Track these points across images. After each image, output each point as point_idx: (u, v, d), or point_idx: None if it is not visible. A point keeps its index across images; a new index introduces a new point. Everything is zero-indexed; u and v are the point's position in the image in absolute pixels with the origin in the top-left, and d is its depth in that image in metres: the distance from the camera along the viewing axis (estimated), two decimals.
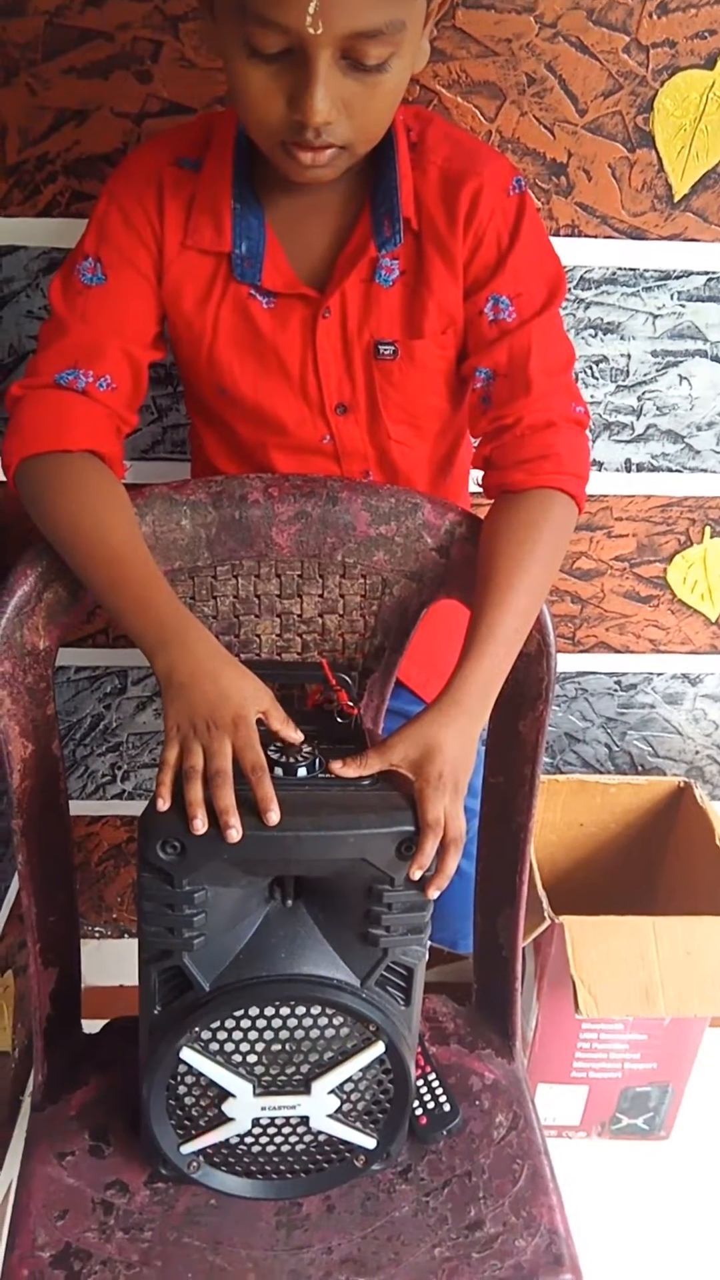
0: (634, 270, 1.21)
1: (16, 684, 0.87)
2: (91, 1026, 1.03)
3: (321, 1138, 0.86)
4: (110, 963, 1.41)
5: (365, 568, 0.95)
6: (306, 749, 0.81)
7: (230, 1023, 0.79)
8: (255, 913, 0.80)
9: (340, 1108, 0.84)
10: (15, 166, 1.12)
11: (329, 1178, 0.88)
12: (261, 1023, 0.80)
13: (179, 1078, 0.82)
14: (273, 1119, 0.84)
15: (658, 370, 1.27)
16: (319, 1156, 0.87)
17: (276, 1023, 0.80)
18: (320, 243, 0.94)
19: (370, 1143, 0.87)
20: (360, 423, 1.00)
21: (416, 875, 0.77)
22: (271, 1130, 0.85)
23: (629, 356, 1.26)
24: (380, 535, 0.94)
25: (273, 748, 0.80)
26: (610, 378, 1.27)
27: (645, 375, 1.27)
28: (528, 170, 1.15)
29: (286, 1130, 0.85)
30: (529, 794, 0.95)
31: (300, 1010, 0.80)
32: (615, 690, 1.50)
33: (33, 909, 0.92)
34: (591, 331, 1.24)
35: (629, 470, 1.33)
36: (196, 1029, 0.79)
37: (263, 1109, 0.83)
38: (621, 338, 1.25)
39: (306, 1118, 0.84)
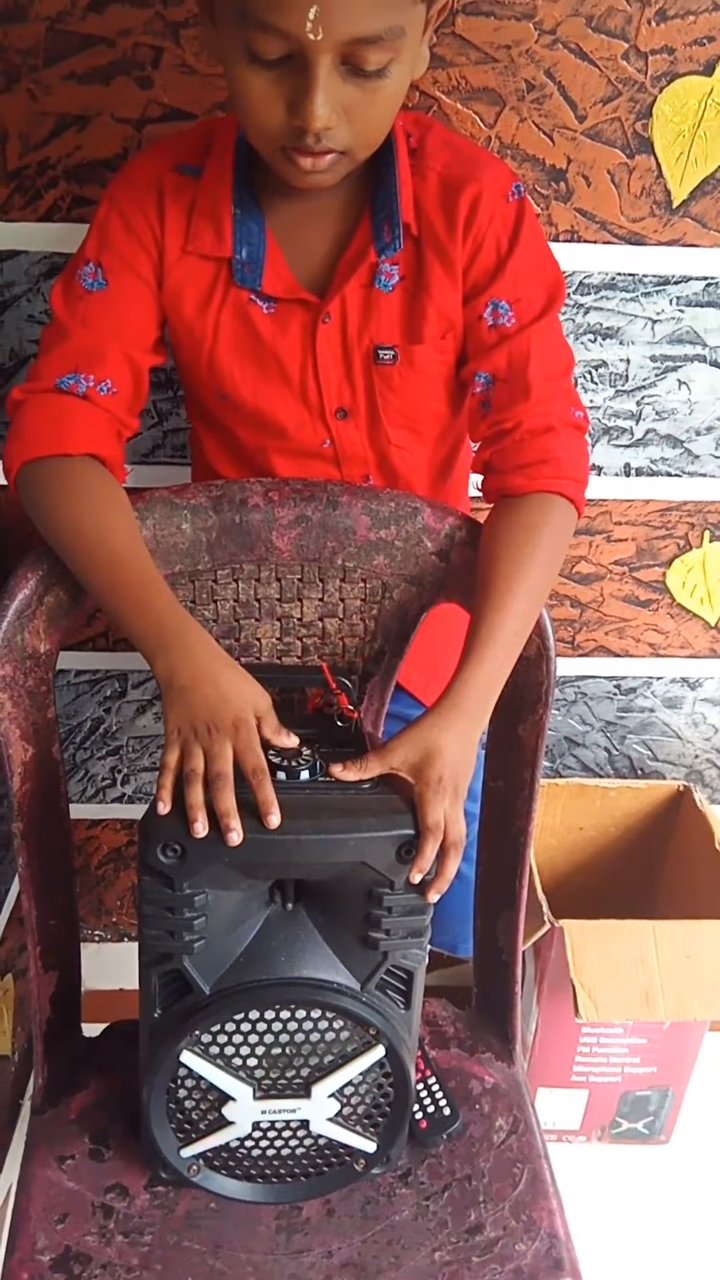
0: (633, 275, 1.21)
1: (17, 687, 0.87)
2: (91, 1030, 1.03)
3: (321, 1141, 0.86)
4: (110, 966, 1.41)
5: (365, 572, 0.95)
6: (307, 753, 0.81)
7: (230, 1026, 0.80)
8: (255, 916, 0.81)
9: (340, 1111, 0.84)
10: (16, 171, 1.13)
11: (329, 1181, 0.88)
12: (262, 1026, 0.80)
13: (179, 1081, 0.82)
14: (273, 1123, 0.84)
15: (657, 375, 1.27)
16: (319, 1160, 0.87)
17: (277, 1026, 0.80)
18: (320, 248, 0.94)
19: (370, 1146, 0.87)
20: (360, 427, 1.00)
21: (416, 879, 0.77)
22: (271, 1134, 0.85)
23: (628, 361, 1.26)
24: (380, 539, 0.94)
25: (273, 751, 0.80)
26: (609, 382, 1.28)
27: (644, 380, 1.28)
28: (527, 176, 1.15)
29: (286, 1134, 0.85)
30: (529, 798, 0.95)
31: (300, 1014, 0.80)
32: (615, 694, 1.50)
33: (33, 912, 0.92)
34: (591, 336, 1.24)
35: (628, 475, 1.34)
36: (197, 1032, 0.79)
37: (263, 1112, 0.83)
38: (620, 343, 1.25)
39: (306, 1121, 0.84)
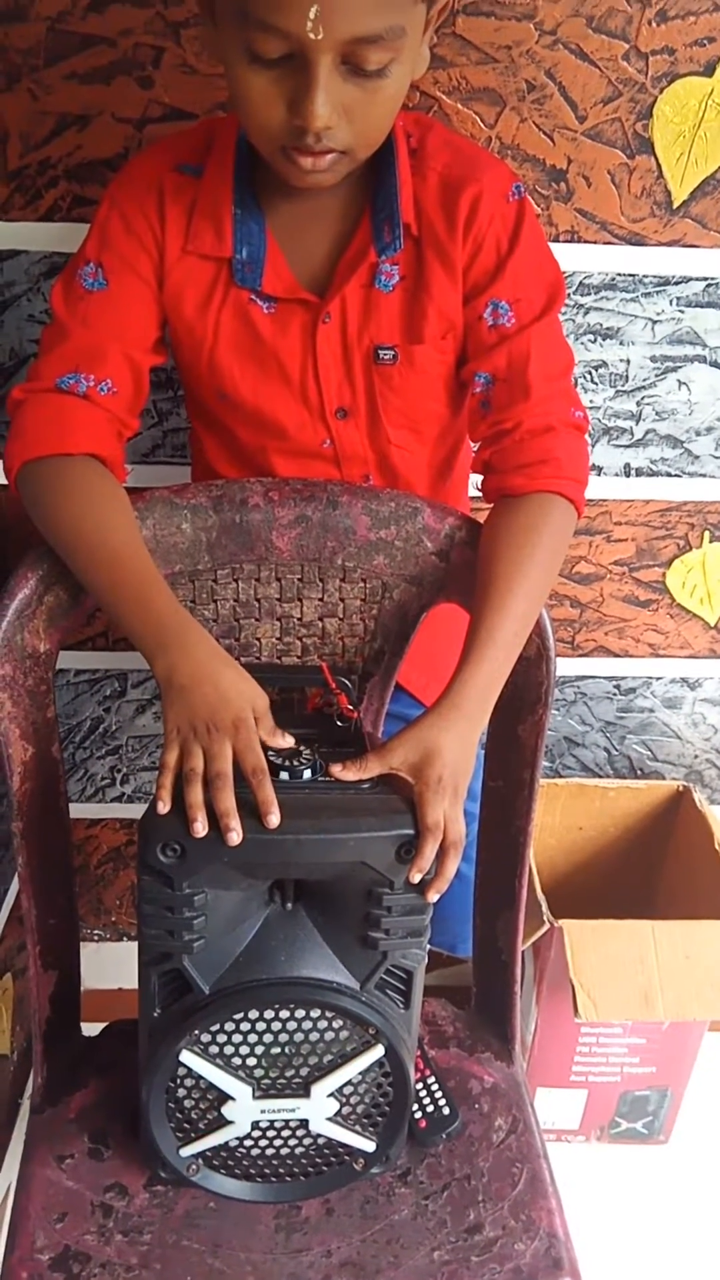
0: (633, 276, 1.21)
1: (17, 687, 0.87)
2: (91, 1029, 1.03)
3: (321, 1141, 0.86)
4: (109, 966, 1.41)
5: (365, 572, 0.95)
6: (307, 753, 0.81)
7: (230, 1026, 0.80)
8: (255, 916, 0.81)
9: (339, 1111, 0.84)
10: (17, 171, 1.13)
11: (328, 1181, 0.88)
12: (261, 1026, 0.80)
13: (178, 1081, 0.82)
14: (272, 1122, 0.84)
15: (657, 375, 1.27)
16: (318, 1159, 0.87)
17: (276, 1026, 0.80)
18: (320, 248, 0.94)
19: (369, 1146, 0.87)
20: (360, 427, 1.00)
21: (416, 878, 0.77)
22: (271, 1133, 0.85)
23: (628, 362, 1.26)
24: (380, 539, 0.94)
25: (273, 751, 0.80)
26: (609, 383, 1.28)
27: (644, 380, 1.28)
28: (527, 176, 1.15)
29: (286, 1133, 0.85)
30: (528, 798, 0.95)
31: (300, 1013, 0.80)
32: (614, 694, 1.50)
33: (32, 911, 0.92)
34: (591, 337, 1.24)
35: (628, 475, 1.34)
36: (196, 1032, 0.79)
37: (262, 1112, 0.83)
38: (621, 343, 1.25)
39: (306, 1121, 0.84)
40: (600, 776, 1.57)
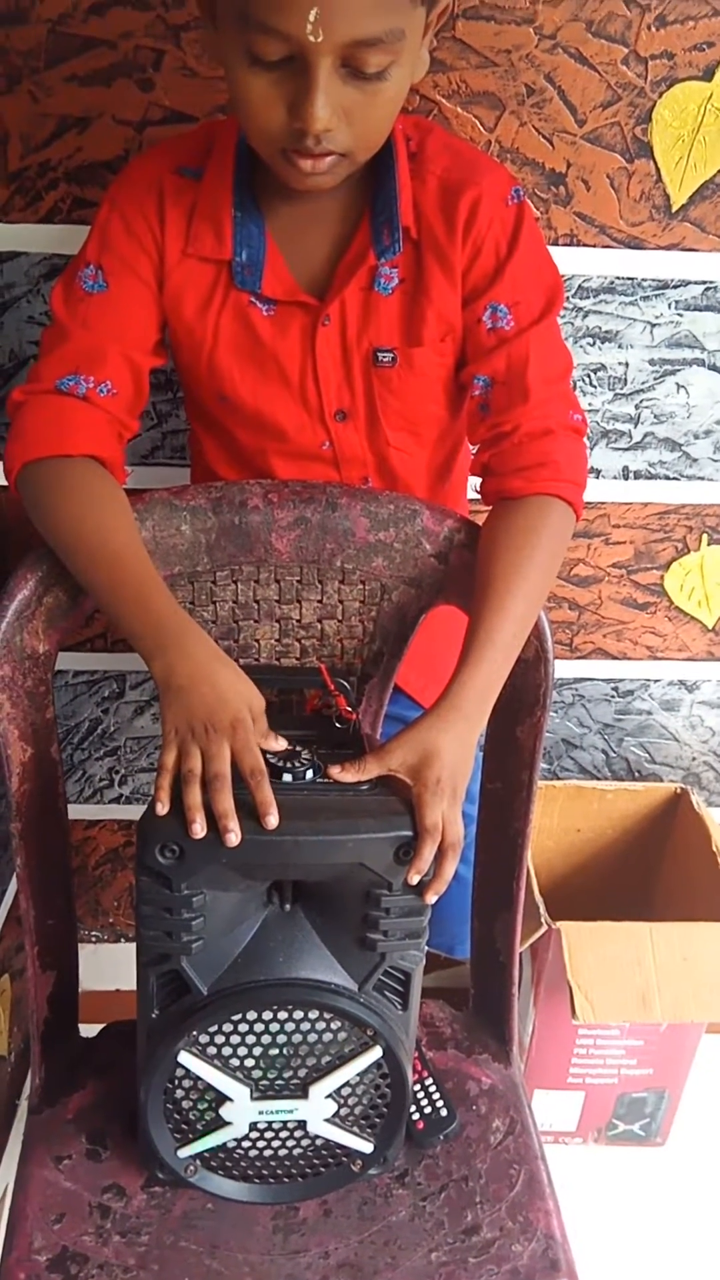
0: (632, 279, 1.21)
1: (16, 688, 0.87)
2: (89, 1031, 1.03)
3: (319, 1142, 0.86)
4: (107, 967, 1.41)
5: (364, 574, 0.96)
6: (305, 754, 0.81)
7: (228, 1027, 0.80)
8: (253, 917, 0.81)
9: (337, 1112, 0.84)
10: (17, 173, 1.13)
11: (326, 1182, 0.88)
12: (259, 1027, 0.80)
13: (176, 1082, 0.82)
14: (270, 1123, 0.84)
15: (655, 379, 1.28)
16: (316, 1161, 0.87)
17: (274, 1027, 0.80)
18: (320, 251, 0.94)
19: (367, 1147, 0.87)
20: (359, 429, 1.00)
21: (414, 880, 0.77)
22: (269, 1134, 0.85)
23: (627, 365, 1.27)
24: (379, 541, 0.94)
25: (271, 752, 0.80)
26: (608, 386, 1.28)
27: (643, 384, 1.28)
28: (527, 180, 1.16)
29: (284, 1134, 0.85)
30: (526, 799, 0.95)
31: (298, 1014, 0.80)
32: (612, 696, 1.50)
33: (31, 912, 0.92)
34: (590, 340, 1.25)
35: (626, 478, 1.34)
36: (194, 1033, 0.79)
37: (260, 1113, 0.83)
38: (619, 346, 1.25)
39: (304, 1122, 0.84)
40: (598, 778, 1.57)
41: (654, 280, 1.22)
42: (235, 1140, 0.85)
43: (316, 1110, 0.83)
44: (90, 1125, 0.94)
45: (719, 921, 1.30)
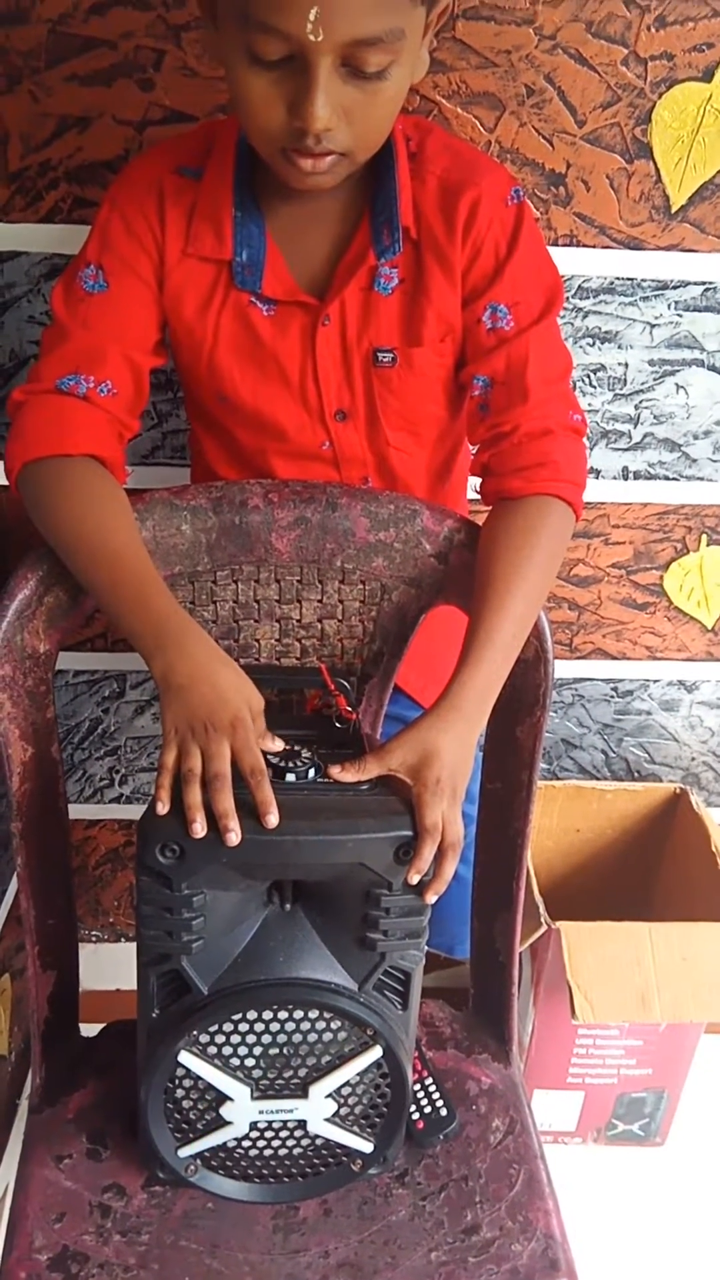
0: (631, 280, 1.22)
1: (17, 687, 0.87)
2: (89, 1030, 1.03)
3: (319, 1142, 0.86)
4: (107, 967, 1.41)
5: (364, 573, 0.96)
6: (305, 754, 0.81)
7: (228, 1026, 0.80)
8: (253, 916, 0.81)
9: (337, 1112, 0.84)
10: (18, 173, 1.13)
11: (326, 1182, 0.88)
12: (259, 1026, 0.80)
13: (177, 1081, 0.82)
14: (270, 1123, 0.84)
15: (655, 379, 1.28)
16: (316, 1160, 0.87)
17: (274, 1026, 0.80)
18: (320, 251, 0.94)
19: (367, 1147, 0.87)
20: (359, 429, 1.00)
21: (414, 880, 0.77)
22: (269, 1134, 0.85)
23: (626, 365, 1.27)
24: (379, 541, 0.94)
25: (271, 752, 0.80)
26: (608, 386, 1.28)
27: (642, 384, 1.28)
28: (526, 180, 1.16)
29: (284, 1134, 0.85)
30: (526, 800, 0.96)
31: (298, 1014, 0.80)
32: (612, 697, 1.50)
33: (31, 911, 0.92)
34: (589, 340, 1.25)
35: (626, 478, 1.34)
36: (194, 1032, 0.79)
37: (260, 1113, 0.83)
38: (619, 347, 1.25)
39: (304, 1121, 0.84)
40: (598, 779, 1.58)
41: (653, 281, 1.22)
42: (235, 1140, 0.85)
43: (316, 1110, 0.83)
44: (91, 1125, 0.94)
45: (718, 921, 1.30)
